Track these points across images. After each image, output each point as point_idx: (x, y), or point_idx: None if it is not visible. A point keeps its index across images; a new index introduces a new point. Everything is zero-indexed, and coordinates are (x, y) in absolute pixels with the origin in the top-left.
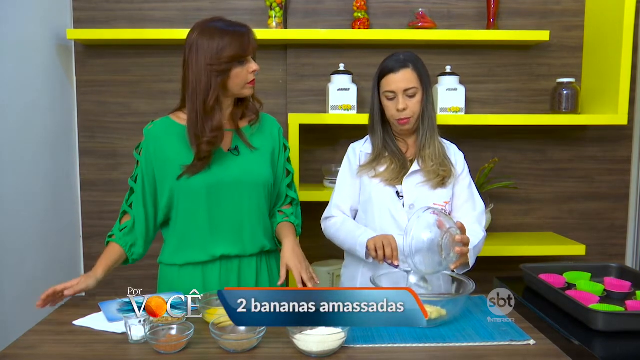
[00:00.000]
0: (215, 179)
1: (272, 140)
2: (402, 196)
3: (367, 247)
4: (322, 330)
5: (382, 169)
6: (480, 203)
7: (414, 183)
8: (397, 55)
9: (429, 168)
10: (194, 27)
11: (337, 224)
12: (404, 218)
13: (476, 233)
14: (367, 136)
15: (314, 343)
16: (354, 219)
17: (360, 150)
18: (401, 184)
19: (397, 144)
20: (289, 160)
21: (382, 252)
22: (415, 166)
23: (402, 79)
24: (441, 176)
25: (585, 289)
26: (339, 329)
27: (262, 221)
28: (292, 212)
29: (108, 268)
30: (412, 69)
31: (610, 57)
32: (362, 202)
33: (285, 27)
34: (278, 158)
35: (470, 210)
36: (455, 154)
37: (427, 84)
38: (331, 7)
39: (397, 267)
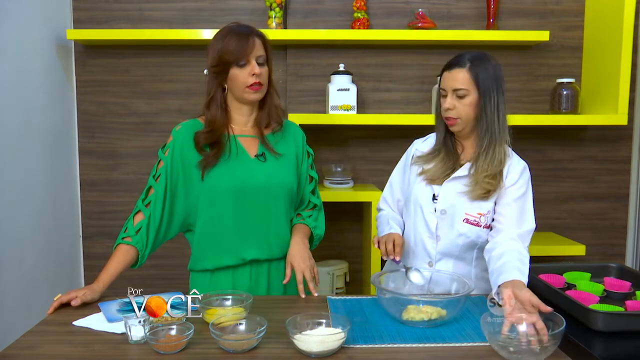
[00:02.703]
0: (242, 184)
1: (295, 147)
2: (437, 200)
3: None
4: (322, 330)
5: (430, 166)
6: (530, 221)
7: (455, 189)
8: (464, 53)
9: (478, 179)
10: None
11: (380, 217)
12: (433, 222)
13: (522, 257)
14: (431, 134)
15: (314, 343)
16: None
17: (416, 147)
18: (440, 185)
19: (455, 145)
20: (312, 166)
21: (384, 247)
22: (461, 172)
23: (453, 78)
24: (485, 189)
25: (585, 289)
26: (338, 329)
27: (288, 225)
28: (310, 214)
29: (114, 278)
30: (468, 70)
31: (610, 57)
32: (405, 197)
33: (285, 27)
34: (301, 164)
35: (513, 226)
36: (511, 166)
37: (488, 89)
38: (331, 7)
39: (398, 262)
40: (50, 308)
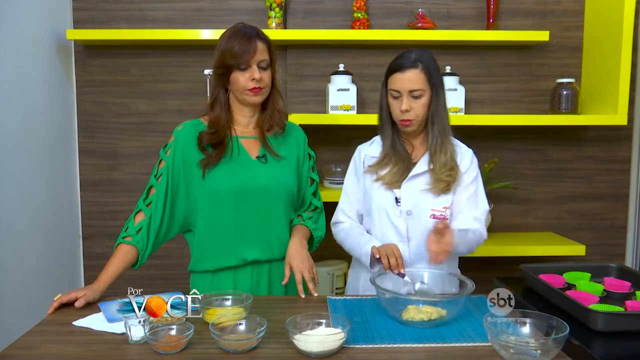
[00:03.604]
0: (243, 185)
1: (297, 149)
2: (400, 202)
3: (372, 255)
4: (322, 331)
5: (384, 171)
6: (483, 203)
7: (416, 188)
8: (409, 53)
9: (438, 175)
10: None
11: (344, 229)
12: (402, 225)
13: (470, 225)
14: (375, 137)
15: (314, 343)
16: (361, 223)
17: (365, 153)
18: (400, 188)
19: (404, 146)
20: (313, 168)
21: (387, 261)
22: (416, 170)
23: (408, 79)
24: (446, 181)
25: (585, 289)
26: (338, 329)
27: (289, 226)
28: (311, 216)
29: (115, 278)
30: (421, 70)
31: (610, 57)
32: (365, 206)
33: (285, 28)
34: (302, 166)
35: (471, 208)
36: (462, 154)
37: (437, 86)
38: (331, 7)
39: (403, 276)
40: (50, 308)
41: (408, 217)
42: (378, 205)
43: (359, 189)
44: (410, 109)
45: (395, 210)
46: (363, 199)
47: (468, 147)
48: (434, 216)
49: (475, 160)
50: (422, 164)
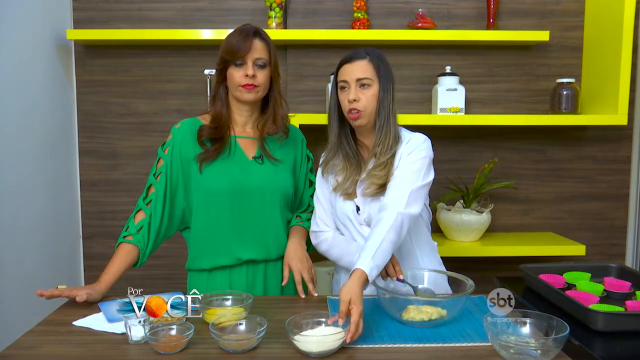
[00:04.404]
0: (239, 185)
1: (294, 151)
2: (360, 211)
3: None
4: (321, 331)
5: (340, 178)
6: (413, 183)
7: (366, 192)
8: (359, 49)
9: (369, 176)
10: None
11: (327, 240)
12: (366, 232)
13: (380, 228)
14: None
15: (314, 344)
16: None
17: (322, 158)
18: (357, 196)
19: (355, 147)
20: (311, 170)
21: (384, 270)
22: (363, 173)
23: (355, 69)
24: (376, 185)
25: (585, 289)
26: (338, 329)
27: (285, 227)
28: (309, 217)
29: (116, 279)
30: (369, 61)
31: (610, 57)
32: (333, 213)
33: (285, 28)
34: (300, 168)
35: (394, 188)
36: (407, 143)
37: (386, 80)
38: (331, 7)
39: (403, 281)
40: (48, 291)
41: (370, 224)
42: (342, 215)
43: (328, 196)
44: (358, 99)
45: (357, 219)
46: (331, 204)
47: (426, 135)
48: None
49: (425, 143)
50: (368, 166)
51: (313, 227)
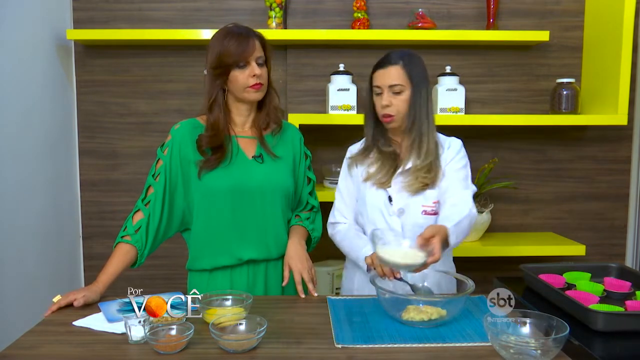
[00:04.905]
0: (239, 184)
1: (293, 149)
2: (392, 201)
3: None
4: (404, 247)
5: (373, 169)
6: (471, 186)
7: (403, 185)
8: (393, 52)
9: (415, 173)
10: None
11: (341, 232)
12: (396, 223)
13: (459, 210)
14: (364, 138)
15: (399, 256)
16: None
17: (353, 152)
18: (390, 187)
19: (389, 143)
20: (309, 168)
21: (381, 270)
22: (402, 168)
23: (388, 76)
24: (422, 183)
25: (585, 289)
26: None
27: (286, 226)
28: (308, 217)
29: (114, 279)
30: (402, 67)
31: (610, 57)
32: (359, 205)
33: (285, 27)
34: (299, 166)
35: (458, 190)
36: (448, 146)
37: (420, 84)
38: (331, 7)
39: (401, 279)
40: (48, 311)
41: (401, 216)
42: (372, 205)
43: (353, 188)
44: (390, 104)
45: (389, 209)
46: (357, 198)
47: (458, 138)
48: (425, 212)
49: (463, 150)
50: (407, 162)
51: (330, 219)
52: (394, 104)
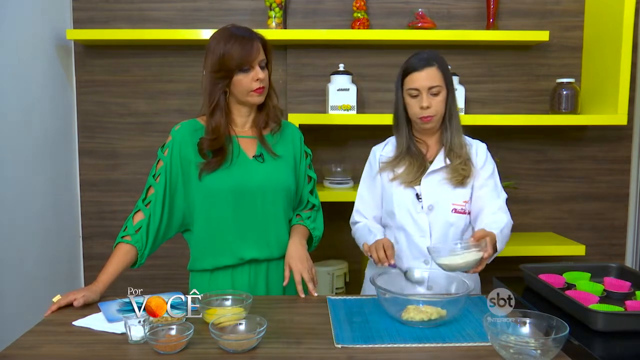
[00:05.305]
0: (240, 184)
1: (293, 148)
2: (421, 198)
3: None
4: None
5: (400, 170)
6: (503, 192)
7: (434, 183)
8: (421, 54)
9: (454, 166)
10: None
11: (358, 229)
12: (424, 220)
13: (500, 219)
14: (389, 138)
15: (459, 259)
16: (380, 223)
17: (380, 154)
18: (420, 184)
19: (417, 145)
20: (310, 166)
21: (376, 255)
22: (434, 165)
23: (426, 77)
24: (462, 175)
25: (585, 289)
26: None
27: (287, 225)
28: (309, 216)
29: (114, 279)
30: (437, 68)
31: (610, 57)
32: (386, 206)
33: (285, 27)
34: (299, 165)
35: (493, 199)
36: (477, 150)
37: (450, 84)
38: (331, 7)
39: (393, 266)
40: (47, 311)
41: (429, 213)
42: (399, 203)
43: (376, 191)
44: (430, 105)
45: (417, 207)
46: (382, 199)
47: (482, 141)
48: (455, 210)
49: (489, 153)
50: (439, 161)
51: (351, 220)
52: (432, 105)
